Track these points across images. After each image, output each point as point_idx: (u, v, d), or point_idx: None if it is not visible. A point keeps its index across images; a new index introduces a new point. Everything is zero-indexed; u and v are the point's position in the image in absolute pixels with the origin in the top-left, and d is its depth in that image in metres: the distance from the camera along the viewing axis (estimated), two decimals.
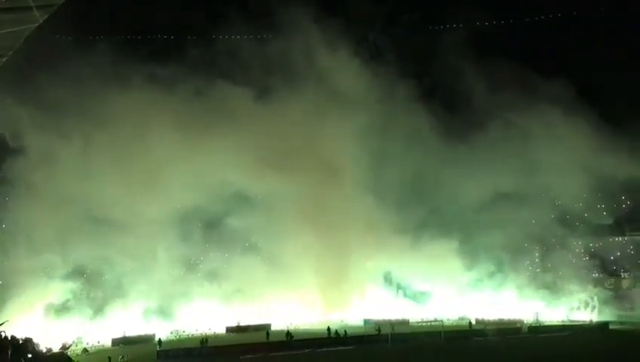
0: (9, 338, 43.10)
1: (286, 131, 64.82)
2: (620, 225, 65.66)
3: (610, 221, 65.29)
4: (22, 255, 57.04)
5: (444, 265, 63.93)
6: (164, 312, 61.36)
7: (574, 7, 68.64)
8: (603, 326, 56.16)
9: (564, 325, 57.10)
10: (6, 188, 60.00)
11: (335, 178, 66.17)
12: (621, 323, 57.45)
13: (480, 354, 46.13)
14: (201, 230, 66.67)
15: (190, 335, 58.91)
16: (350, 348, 50.09)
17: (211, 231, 66.57)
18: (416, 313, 62.94)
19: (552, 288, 62.19)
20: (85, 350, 52.37)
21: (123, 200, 60.09)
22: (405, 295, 67.37)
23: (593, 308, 60.02)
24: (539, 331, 55.31)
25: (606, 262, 64.36)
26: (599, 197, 64.39)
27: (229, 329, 60.87)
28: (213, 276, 66.22)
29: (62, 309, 57.88)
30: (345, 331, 53.77)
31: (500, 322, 58.30)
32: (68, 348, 49.32)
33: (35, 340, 46.32)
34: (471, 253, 64.72)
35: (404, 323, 60.37)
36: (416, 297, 66.45)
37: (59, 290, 58.79)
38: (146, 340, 55.97)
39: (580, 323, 58.12)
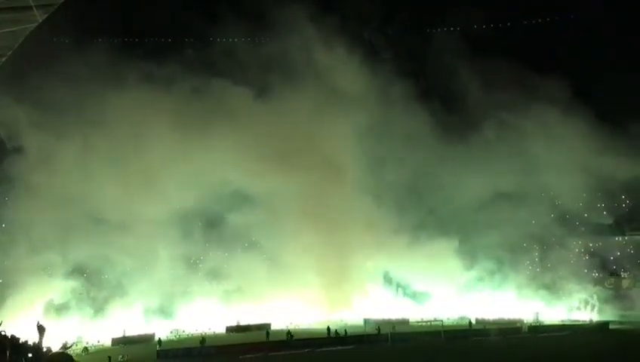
0: (9, 337, 43.00)
1: (286, 130, 64.85)
2: (620, 225, 65.78)
3: (610, 220, 65.39)
4: (22, 254, 57.02)
5: (444, 264, 64.03)
6: (164, 312, 61.44)
7: (574, 9, 68.84)
8: (603, 325, 56.10)
9: (564, 325, 57.04)
10: (6, 188, 60.07)
11: (335, 177, 66.11)
12: (621, 322, 57.42)
13: (480, 353, 46.04)
14: (202, 229, 66.81)
15: (190, 335, 58.91)
16: (350, 347, 50.03)
17: (211, 230, 66.69)
18: (416, 313, 62.97)
19: (552, 288, 62.20)
20: (86, 349, 52.37)
21: (123, 199, 60.19)
22: (405, 294, 67.43)
23: (593, 307, 60.02)
24: (539, 331, 55.26)
25: (606, 261, 64.42)
26: (599, 196, 64.52)
27: (228, 329, 60.88)
28: (213, 275, 66.35)
29: (62, 308, 57.91)
30: (345, 331, 53.73)
31: (500, 322, 58.26)
32: (68, 347, 49.23)
33: (34, 340, 46.28)
34: (471, 252, 64.84)
35: (404, 322, 60.36)
36: (416, 297, 66.48)
37: (59, 290, 58.80)
38: (145, 340, 55.99)
39: (580, 322, 58.07)
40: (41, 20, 24.65)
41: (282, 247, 65.59)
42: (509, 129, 64.05)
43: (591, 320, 58.70)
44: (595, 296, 60.54)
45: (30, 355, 41.19)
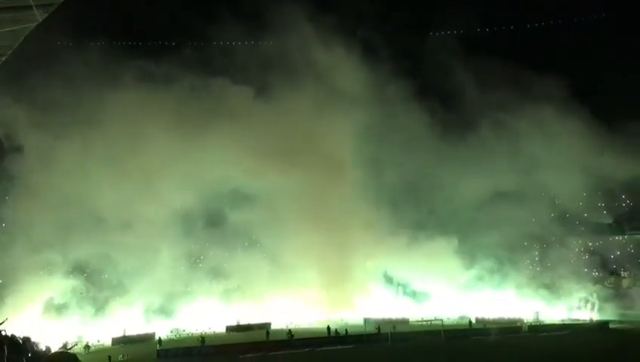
0: (9, 336, 42.94)
1: (286, 129, 64.93)
2: (620, 224, 65.76)
3: (610, 220, 65.41)
4: (22, 253, 57.02)
5: (444, 263, 64.06)
6: (164, 311, 61.45)
7: (573, 10, 68.90)
8: (603, 325, 56.08)
9: (564, 324, 57.05)
10: (6, 187, 60.07)
11: (335, 176, 66.13)
12: (621, 321, 57.39)
13: (480, 353, 46.00)
14: (202, 228, 66.82)
15: (190, 334, 58.93)
16: (350, 347, 50.01)
17: (211, 229, 66.69)
18: (417, 312, 63.00)
19: (552, 287, 62.22)
20: (87, 346, 52.35)
21: (123, 198, 60.30)
22: (405, 293, 67.43)
23: (593, 306, 60.04)
24: (539, 330, 55.21)
25: (606, 260, 64.35)
26: (599, 196, 64.54)
27: (228, 328, 60.86)
28: (213, 274, 66.39)
29: (62, 308, 57.95)
30: (346, 330, 53.71)
31: (500, 321, 58.25)
32: (70, 348, 49.23)
33: (34, 339, 46.30)
34: (471, 251, 64.87)
35: (404, 322, 60.40)
36: (416, 296, 66.48)
37: (59, 289, 58.92)
38: (146, 339, 56.01)
39: (580, 322, 58.12)
40: (41, 20, 24.59)
41: (282, 246, 65.62)
42: (510, 128, 64.11)
43: (591, 320, 58.72)
44: (595, 296, 60.58)
45: (30, 354, 41.08)
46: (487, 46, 67.72)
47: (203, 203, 64.56)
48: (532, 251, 67.38)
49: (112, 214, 60.40)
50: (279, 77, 66.89)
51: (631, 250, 64.19)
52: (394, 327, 53.79)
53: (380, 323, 55.70)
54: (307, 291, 65.14)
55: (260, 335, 54.36)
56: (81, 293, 60.77)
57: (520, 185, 64.35)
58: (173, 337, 58.57)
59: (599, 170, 60.56)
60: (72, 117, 60.09)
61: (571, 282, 61.54)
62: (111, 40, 67.36)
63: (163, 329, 58.87)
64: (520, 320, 58.23)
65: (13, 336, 43.44)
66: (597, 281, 62.52)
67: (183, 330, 60.41)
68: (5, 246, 57.44)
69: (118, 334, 56.24)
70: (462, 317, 60.87)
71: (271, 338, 53.21)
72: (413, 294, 66.86)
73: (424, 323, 58.71)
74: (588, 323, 57.54)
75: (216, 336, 56.57)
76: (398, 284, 68.14)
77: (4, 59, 30.66)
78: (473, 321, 58.44)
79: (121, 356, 47.11)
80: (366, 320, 58.75)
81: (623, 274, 63.08)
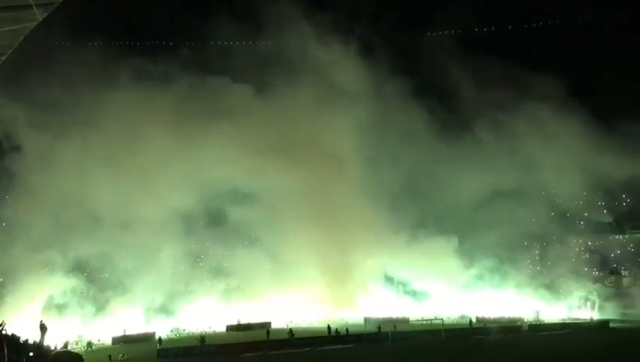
0: (9, 335, 42.84)
1: (287, 127, 64.95)
2: (620, 224, 65.80)
3: (610, 219, 65.44)
4: (22, 253, 57.04)
5: (445, 263, 64.09)
6: (164, 310, 61.43)
7: (573, 10, 68.97)
8: (603, 324, 56.16)
9: (564, 323, 57.11)
10: (7, 186, 60.07)
11: (336, 175, 66.14)
12: (621, 321, 57.46)
13: (480, 352, 45.99)
14: (202, 227, 66.84)
15: (190, 334, 58.90)
16: (350, 346, 49.97)
17: (212, 228, 66.65)
18: (417, 311, 62.99)
19: (552, 286, 62.24)
20: (90, 344, 52.35)
21: (124, 197, 60.26)
22: (405, 292, 67.40)
23: (593, 306, 60.06)
24: (539, 329, 55.28)
25: (606, 259, 64.41)
26: (599, 195, 64.57)
27: (229, 328, 60.83)
28: (214, 274, 66.39)
29: (62, 307, 57.95)
30: (347, 329, 53.66)
31: (501, 320, 58.30)
32: (66, 346, 49.18)
33: (35, 338, 46.21)
34: (472, 251, 64.86)
35: (405, 321, 60.39)
36: (416, 295, 66.45)
37: (59, 288, 58.90)
38: (146, 338, 55.96)
39: (581, 321, 58.18)
40: (41, 19, 24.54)
41: (283, 245, 65.58)
42: (510, 128, 64.18)
43: (591, 319, 58.76)
44: (595, 295, 60.64)
45: (31, 354, 40.96)
46: (488, 45, 67.95)
47: (203, 202, 64.57)
48: (532, 250, 67.44)
49: (112, 213, 60.42)
50: (279, 75, 66.93)
51: (631, 249, 64.30)
52: (394, 326, 53.78)
53: (381, 323, 55.68)
54: (308, 290, 65.07)
55: (260, 335, 54.35)
56: (81, 293, 60.76)
57: (520, 185, 64.48)
58: (174, 337, 58.51)
59: (599, 170, 60.59)
60: (73, 116, 60.21)
61: (571, 281, 61.64)
62: (110, 40, 67.58)
63: (163, 329, 58.82)
64: (520, 320, 58.22)
65: (13, 335, 43.36)
66: (597, 280, 62.63)
67: (184, 330, 60.36)
68: (5, 246, 57.42)
69: (118, 333, 56.16)
70: (462, 317, 60.83)
71: (271, 337, 53.15)
72: (414, 293, 66.80)
73: (424, 322, 58.71)
74: (588, 323, 57.61)
75: (216, 336, 56.47)
76: (399, 283, 68.10)
77: (4, 58, 30.60)
78: (473, 320, 58.39)
79: (121, 355, 47.06)
80: (366, 320, 58.73)
81: (623, 273, 63.20)
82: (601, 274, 63.56)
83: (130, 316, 59.37)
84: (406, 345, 49.39)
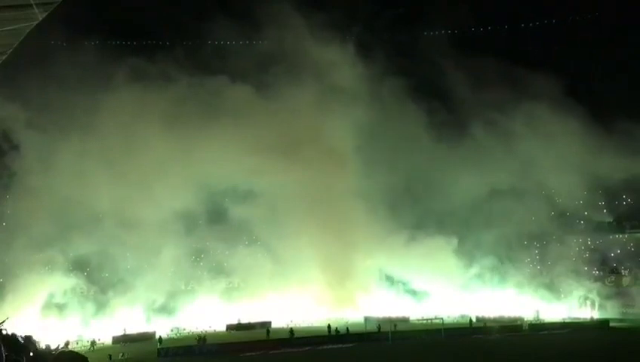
0: (10, 335, 42.77)
1: (287, 127, 64.94)
2: (621, 223, 65.77)
3: (610, 218, 65.43)
4: (22, 252, 57.03)
5: (445, 262, 64.08)
6: (164, 310, 61.41)
7: (572, 10, 68.98)
8: (603, 323, 56.22)
9: (564, 322, 57.12)
10: (8, 185, 60.05)
11: (337, 175, 66.12)
12: (621, 320, 57.54)
13: (481, 351, 46.06)
14: (202, 227, 66.81)
15: (190, 333, 58.88)
16: (350, 345, 49.97)
17: (212, 227, 66.57)
18: (417, 311, 62.98)
19: (552, 285, 62.27)
20: (94, 343, 52.42)
21: (124, 196, 60.20)
22: (405, 291, 67.41)
23: (593, 305, 60.08)
24: (539, 328, 55.35)
25: (606, 259, 64.39)
26: (600, 194, 64.57)
27: (229, 327, 60.82)
28: (214, 273, 66.36)
29: (62, 307, 57.92)
30: (347, 328, 53.66)
31: (501, 320, 58.29)
32: (79, 348, 49.15)
33: (35, 338, 46.16)
34: (472, 250, 64.88)
35: (405, 320, 60.42)
36: (416, 294, 66.45)
37: (59, 288, 58.85)
38: (146, 338, 55.92)
39: (581, 320, 58.23)
40: (41, 18, 24.45)
41: (283, 245, 65.53)
42: (511, 127, 64.15)
43: (592, 318, 58.81)
44: (595, 294, 60.65)
45: (32, 354, 40.87)
46: (488, 45, 67.94)
47: (203, 201, 64.64)
48: (532, 249, 67.42)
49: (112, 213, 60.38)
50: (279, 74, 66.81)
51: (631, 248, 64.24)
52: (394, 326, 53.77)
53: (381, 322, 55.68)
54: (308, 289, 65.06)
55: (260, 334, 54.36)
56: (81, 292, 60.74)
57: (521, 184, 64.47)
58: (174, 336, 58.50)
59: (599, 169, 60.55)
60: (74, 114, 60.13)
61: (571, 280, 61.68)
62: (110, 39, 67.61)
63: (163, 328, 58.80)
64: (520, 319, 58.24)
65: (14, 335, 43.29)
66: (597, 280, 62.63)
67: (184, 329, 60.34)
68: (5, 246, 57.40)
69: (119, 333, 56.15)
70: (462, 316, 60.83)
71: (271, 336, 53.22)
72: (414, 293, 66.80)
73: (425, 321, 58.70)
74: (588, 322, 57.68)
75: (216, 335, 56.47)
76: (399, 282, 68.11)
77: (4, 58, 30.54)
78: (474, 320, 58.40)
79: (121, 354, 47.04)
80: (367, 319, 58.79)
81: (623, 272, 63.13)
82: (601, 273, 63.55)
83: (130, 315, 59.33)
84: (406, 344, 49.42)
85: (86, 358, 41.19)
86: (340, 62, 67.51)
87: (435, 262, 63.88)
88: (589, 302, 60.56)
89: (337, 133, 66.96)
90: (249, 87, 65.88)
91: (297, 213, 65.36)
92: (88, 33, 63.75)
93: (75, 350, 47.79)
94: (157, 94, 62.65)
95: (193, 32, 69.74)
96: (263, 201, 65.94)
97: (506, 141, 63.95)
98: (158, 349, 48.98)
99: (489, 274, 64.17)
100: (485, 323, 56.97)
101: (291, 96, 66.02)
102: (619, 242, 65.22)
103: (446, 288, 64.29)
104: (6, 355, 35.18)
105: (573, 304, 61.09)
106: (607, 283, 62.49)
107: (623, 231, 65.60)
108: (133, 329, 57.13)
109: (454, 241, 65.00)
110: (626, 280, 62.31)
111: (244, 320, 61.86)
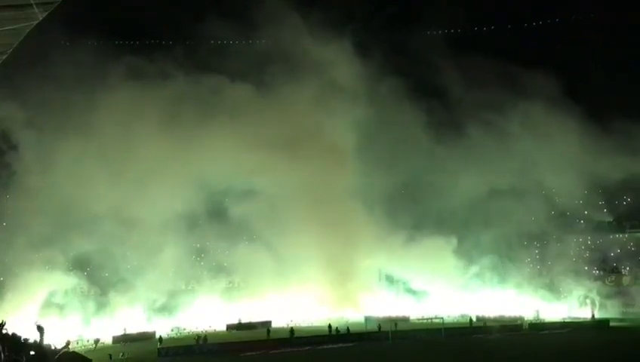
0: (10, 335, 42.74)
1: (289, 124, 64.96)
2: (621, 222, 65.75)
3: (610, 218, 65.40)
4: (22, 251, 57.03)
5: (445, 261, 64.06)
6: (165, 309, 61.42)
7: (572, 10, 69.01)
8: (603, 323, 56.21)
9: (564, 322, 57.12)
10: (7, 184, 60.04)
11: (338, 175, 66.11)
12: (621, 320, 57.53)
13: (481, 351, 46.09)
14: (203, 226, 66.75)
15: (190, 333, 58.91)
16: (351, 345, 49.97)
17: (212, 226, 66.51)
18: (417, 310, 62.98)
19: (552, 285, 62.26)
20: (97, 341, 52.40)
21: (124, 195, 60.18)
22: (405, 290, 67.41)
23: (594, 304, 60.07)
24: (539, 328, 55.34)
25: (606, 258, 64.38)
26: (599, 194, 64.53)
27: (229, 327, 60.84)
28: (214, 272, 66.36)
29: (62, 306, 57.92)
30: (347, 328, 53.68)
31: (501, 319, 58.26)
32: (79, 347, 49.15)
33: (35, 338, 46.13)
34: (472, 250, 64.84)
35: (405, 320, 60.43)
36: (416, 294, 66.47)
37: (59, 287, 58.85)
38: (146, 337, 55.96)
39: (581, 320, 58.21)
40: (41, 18, 24.44)
41: (284, 244, 65.46)
42: (511, 127, 64.15)
43: (592, 318, 58.79)
44: (595, 293, 60.63)
45: (33, 353, 40.83)
46: (488, 44, 67.90)
47: (203, 200, 64.57)
48: (532, 249, 67.40)
49: (112, 211, 60.23)
50: (279, 71, 66.74)
51: (631, 247, 64.20)
52: (395, 325, 53.79)
53: (381, 322, 55.69)
54: (309, 289, 65.05)
55: (260, 334, 54.38)
56: (81, 291, 60.75)
57: (521, 184, 64.40)
58: (174, 336, 58.53)
59: (599, 168, 60.51)
60: (74, 114, 60.10)
61: (571, 280, 61.58)
62: (110, 39, 67.51)
63: (164, 328, 58.84)
64: (520, 319, 58.22)
65: (14, 335, 43.27)
66: (597, 279, 62.56)
67: (184, 329, 60.35)
68: (5, 245, 57.39)
69: (119, 332, 56.16)
70: (462, 316, 60.82)
71: (272, 336, 53.23)
72: (414, 292, 66.80)
73: (425, 321, 58.68)
74: (588, 322, 57.67)
75: (216, 335, 56.48)
76: (399, 282, 68.13)
77: (4, 57, 30.55)
78: (474, 319, 58.42)
79: (121, 354, 47.06)
80: (367, 318, 58.79)
81: (623, 272, 63.08)
82: (601, 273, 63.49)
83: (130, 315, 59.36)
84: (406, 343, 49.46)
85: (90, 360, 41.23)
86: (339, 60, 67.46)
87: (436, 261, 63.86)
88: (589, 302, 60.52)
89: (338, 132, 66.96)
90: (249, 86, 65.92)
91: (298, 213, 65.34)
92: (87, 33, 63.63)
93: (77, 349, 47.85)
94: (157, 93, 62.65)
95: (192, 30, 69.71)
96: (263, 200, 65.92)
97: (507, 141, 63.93)
98: (158, 349, 49.05)
99: (489, 273, 64.11)
100: (485, 323, 56.95)
101: (291, 95, 66.00)
102: (619, 241, 65.16)
103: (446, 288, 64.27)
104: (6, 355, 35.16)
105: (573, 303, 61.01)
106: (607, 282, 62.45)
107: (623, 231, 65.56)
108: (133, 329, 57.16)
109: (454, 241, 64.94)
110: (626, 280, 62.28)
111: (245, 320, 61.89)
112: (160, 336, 54.44)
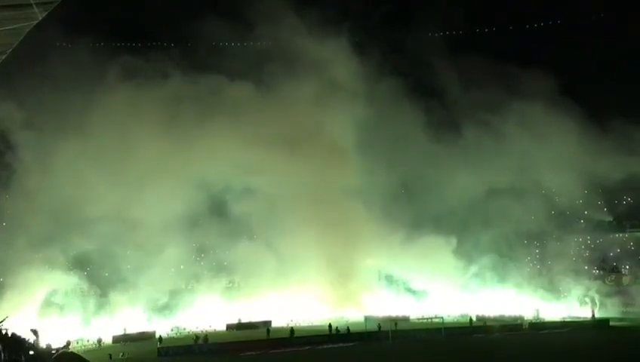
0: (10, 334, 42.81)
1: (290, 123, 64.95)
2: (621, 222, 65.76)
3: (610, 217, 65.40)
4: (22, 251, 56.97)
5: (445, 261, 64.04)
6: (165, 309, 61.42)
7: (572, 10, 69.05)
8: (603, 322, 56.21)
9: (564, 321, 57.10)
10: (7, 183, 60.05)
11: (338, 174, 66.08)
12: (621, 319, 57.50)
13: (481, 350, 46.10)
14: (203, 225, 66.69)
15: (190, 333, 58.90)
16: (351, 344, 49.97)
17: (212, 226, 66.48)
18: (417, 310, 62.98)
19: (552, 285, 62.24)
20: (100, 341, 52.39)
21: (124, 194, 60.22)
22: (405, 290, 67.42)
23: (594, 304, 60.08)
24: (539, 327, 55.33)
25: (606, 258, 64.38)
26: (599, 193, 64.51)
27: (229, 327, 60.83)
28: (214, 272, 66.36)
29: (62, 306, 57.91)
30: (347, 328, 53.68)
31: (501, 319, 58.26)
32: (79, 347, 49.15)
33: (35, 337, 46.18)
34: (472, 249, 64.82)
35: (405, 320, 60.43)
36: (416, 293, 66.47)
37: (59, 287, 58.85)
38: (146, 337, 55.98)
39: (581, 319, 58.19)
40: (41, 18, 24.46)
41: (284, 244, 65.50)
42: (511, 126, 64.14)
43: (592, 317, 58.79)
44: (595, 293, 60.63)
45: (32, 353, 40.89)
46: (488, 44, 67.91)
47: (203, 199, 64.56)
48: (532, 249, 67.40)
49: (112, 211, 60.23)
50: (279, 70, 66.74)
51: (631, 247, 64.20)
52: (395, 325, 53.77)
53: (381, 321, 55.65)
54: (309, 288, 65.06)
55: (260, 334, 54.38)
56: (81, 291, 60.74)
57: (521, 183, 64.41)
58: (174, 335, 58.54)
59: (599, 168, 60.52)
60: (73, 114, 60.05)
61: (571, 280, 61.54)
62: (109, 39, 67.53)
63: (164, 328, 58.84)
64: (520, 318, 58.18)
65: (14, 334, 43.33)
66: (597, 279, 62.53)
67: (184, 329, 60.35)
68: (5, 244, 57.37)
69: (119, 332, 56.15)
70: (462, 315, 60.80)
71: (272, 336, 53.25)
72: (413, 292, 66.80)
73: (425, 321, 58.63)
74: (588, 321, 57.65)
75: (216, 334, 56.49)
76: (399, 281, 68.15)
77: (4, 57, 30.58)
78: (474, 319, 58.41)
79: (121, 354, 47.04)
80: (367, 318, 58.77)
81: (623, 271, 63.07)
82: (601, 272, 63.46)
83: (130, 315, 59.37)
84: (406, 343, 49.46)
85: (87, 361, 41.25)
86: (339, 59, 67.45)
87: (436, 261, 63.84)
88: (589, 301, 60.51)
89: (338, 131, 66.97)
90: (248, 85, 65.88)
91: (298, 212, 65.35)
92: (86, 33, 63.67)
93: (78, 348, 47.88)
94: (156, 93, 62.66)
95: (190, 30, 69.56)
96: (263, 200, 65.89)
97: (507, 140, 63.93)
98: (158, 348, 49.05)
99: (489, 273, 64.10)
100: (485, 323, 56.96)
101: (291, 94, 66.00)
102: (619, 241, 65.16)
103: (446, 287, 64.28)
104: (6, 355, 35.19)
105: (573, 303, 60.98)
106: (607, 282, 62.41)
107: (622, 230, 65.57)
108: (133, 329, 57.17)
109: (454, 240, 64.92)
110: (626, 279, 62.25)
111: (245, 320, 61.96)
112: (160, 336, 54.45)
